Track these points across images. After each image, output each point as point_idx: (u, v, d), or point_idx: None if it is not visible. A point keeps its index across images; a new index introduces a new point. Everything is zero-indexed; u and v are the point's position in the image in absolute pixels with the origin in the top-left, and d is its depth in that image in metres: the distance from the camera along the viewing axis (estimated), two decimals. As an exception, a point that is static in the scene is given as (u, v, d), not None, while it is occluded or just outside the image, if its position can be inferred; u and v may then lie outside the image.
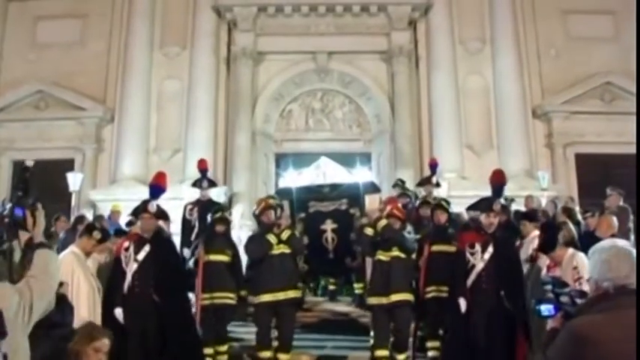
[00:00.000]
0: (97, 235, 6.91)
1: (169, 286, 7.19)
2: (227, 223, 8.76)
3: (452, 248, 7.88)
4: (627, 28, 18.08)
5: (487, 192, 14.86)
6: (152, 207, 7.36)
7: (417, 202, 10.92)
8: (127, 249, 7.25)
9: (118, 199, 14.91)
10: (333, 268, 10.94)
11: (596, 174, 16.30)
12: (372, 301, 8.04)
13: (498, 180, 7.70)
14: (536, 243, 8.60)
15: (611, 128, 17.17)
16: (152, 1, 18.38)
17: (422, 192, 12.25)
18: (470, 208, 8.24)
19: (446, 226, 8.56)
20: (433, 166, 12.50)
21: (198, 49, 18.04)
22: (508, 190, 15.20)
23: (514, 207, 12.41)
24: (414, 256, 8.26)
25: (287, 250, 8.06)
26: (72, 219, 11.39)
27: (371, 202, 10.52)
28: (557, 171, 17.18)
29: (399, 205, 8.87)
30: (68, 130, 17.92)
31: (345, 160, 14.76)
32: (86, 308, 6.14)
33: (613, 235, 7.30)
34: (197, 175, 16.84)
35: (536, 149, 17.62)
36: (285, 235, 8.10)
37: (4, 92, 18.30)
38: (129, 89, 17.82)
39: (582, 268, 6.27)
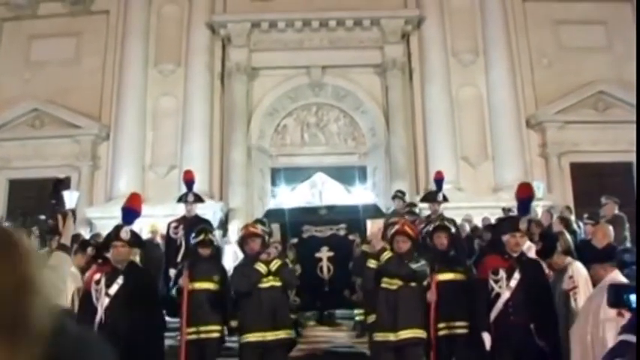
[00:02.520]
0: (90, 251, 7.11)
1: (144, 324, 6.30)
2: (212, 245, 7.56)
3: (460, 276, 6.93)
4: (619, 37, 18.27)
5: (482, 203, 15.14)
6: (125, 234, 6.40)
7: (430, 226, 8.63)
8: (97, 282, 6.32)
9: (115, 217, 14.85)
10: (329, 301, 9.77)
11: (591, 183, 16.35)
12: (378, 337, 6.81)
13: (526, 194, 6.81)
14: (530, 253, 8.85)
15: (606, 137, 17.26)
16: (146, 19, 18.48)
17: (424, 209, 11.23)
18: (494, 228, 7.45)
19: (449, 251, 7.22)
20: (439, 180, 10.78)
21: (192, 65, 18.12)
22: (503, 201, 15.53)
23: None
24: (426, 282, 6.94)
25: (277, 284, 6.91)
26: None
27: (373, 227, 9.00)
28: (552, 180, 17.22)
29: (406, 222, 7.64)
30: (64, 148, 17.94)
31: (341, 174, 14.76)
32: (80, 325, 6.17)
33: (609, 244, 7.35)
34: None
35: (530, 159, 17.69)
36: (274, 265, 6.94)
37: (-1, 111, 18.37)
38: (124, 106, 17.87)
39: (578, 277, 6.32)
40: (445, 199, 10.37)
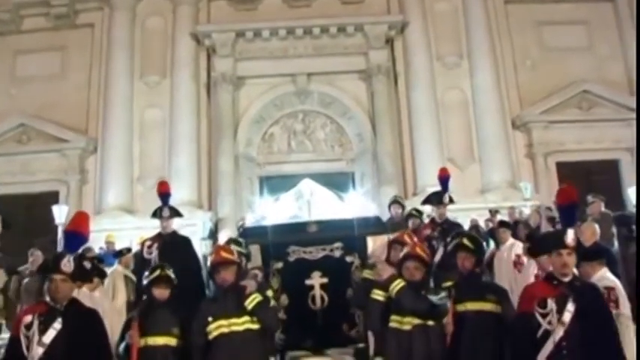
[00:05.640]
0: (86, 264, 6.57)
1: None
2: (172, 284, 5.69)
3: (488, 305, 5.34)
4: (600, 37, 18.50)
5: (470, 205, 15.16)
6: (67, 264, 4.92)
7: (446, 241, 7.08)
8: (28, 326, 4.85)
9: (105, 230, 14.92)
10: (323, 339, 7.52)
11: (578, 181, 16.30)
12: None
13: (567, 199, 5.16)
14: (516, 249, 8.95)
15: (590, 135, 17.41)
16: (131, 32, 18.53)
17: (430, 212, 10.05)
18: (536, 249, 6.34)
19: (475, 274, 5.61)
20: (444, 179, 9.24)
21: (178, 76, 18.18)
22: (491, 202, 15.62)
23: (499, 218, 12.61)
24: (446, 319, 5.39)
25: (254, 326, 5.32)
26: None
27: (376, 246, 7.51)
28: (540, 180, 17.32)
29: (411, 235, 6.44)
30: (51, 163, 17.96)
31: (329, 180, 14.70)
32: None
33: (595, 243, 7.42)
34: (182, 201, 17.14)
35: (517, 160, 17.82)
36: (251, 302, 5.35)
37: (-14, 127, 18.36)
38: (111, 119, 17.89)
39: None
40: (452, 200, 9.01)
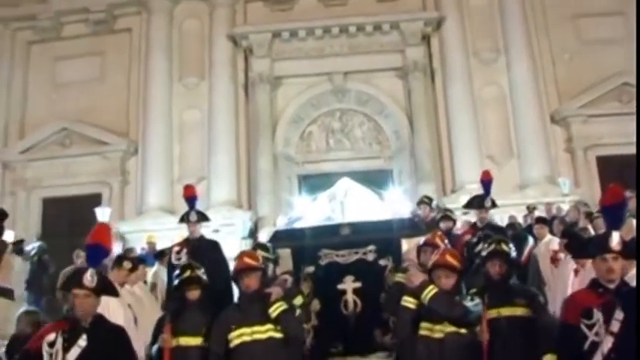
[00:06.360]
0: (127, 265, 6.79)
1: None
2: (202, 284, 5.65)
3: (519, 310, 5.14)
4: (639, 26, 18.22)
5: (508, 201, 15.04)
6: (90, 279, 4.61)
7: (483, 249, 6.06)
8: (51, 344, 4.59)
9: (146, 230, 15.21)
10: (355, 344, 7.20)
11: (618, 175, 16.25)
12: None
13: (613, 199, 4.73)
14: (553, 245, 8.97)
15: (630, 129, 17.11)
16: (168, 35, 18.82)
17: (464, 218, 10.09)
18: (579, 252, 6.14)
19: (505, 279, 5.36)
20: (487, 182, 8.78)
21: (216, 78, 18.39)
22: (530, 198, 15.55)
23: (537, 214, 12.57)
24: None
25: (277, 335, 5.15)
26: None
27: (410, 249, 7.10)
28: (580, 175, 17.19)
29: (443, 237, 6.18)
30: (93, 165, 18.33)
31: (367, 178, 14.63)
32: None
33: (633, 239, 7.33)
34: (221, 201, 17.43)
35: (556, 155, 17.66)
36: (275, 310, 5.18)
37: (29, 132, 18.91)
38: (150, 121, 18.21)
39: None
40: (494, 204, 8.65)
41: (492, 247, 5.43)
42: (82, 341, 4.55)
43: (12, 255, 11.43)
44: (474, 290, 5.31)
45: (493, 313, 5.07)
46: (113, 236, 5.79)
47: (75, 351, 4.52)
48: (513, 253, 5.50)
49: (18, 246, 12.20)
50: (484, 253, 5.51)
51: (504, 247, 5.39)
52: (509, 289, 5.28)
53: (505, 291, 5.22)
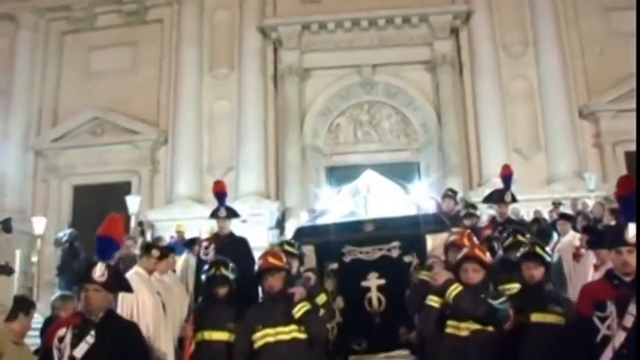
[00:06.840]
0: (155, 253, 6.74)
1: None
2: (228, 282, 5.67)
3: (551, 317, 4.85)
4: (671, 20, 17.98)
5: (535, 195, 15.03)
6: (100, 273, 4.51)
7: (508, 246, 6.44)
8: (61, 339, 4.53)
9: (175, 219, 15.42)
10: (380, 341, 7.06)
11: (647, 171, 16.17)
12: None
13: (633, 188, 4.33)
14: (575, 241, 8.92)
15: (662, 124, 17.04)
16: (199, 26, 19.04)
17: (489, 211, 9.88)
18: (596, 243, 5.98)
19: (541, 284, 5.06)
20: (507, 177, 8.67)
21: (245, 69, 18.57)
22: (558, 192, 15.50)
23: (561, 209, 12.58)
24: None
25: (301, 335, 5.09)
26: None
27: (435, 245, 7.02)
28: (608, 170, 17.04)
29: (471, 236, 5.93)
30: (124, 154, 18.67)
31: (395, 170, 14.68)
32: (152, 324, 6.01)
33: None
34: (250, 192, 17.62)
35: (584, 149, 17.58)
36: (299, 310, 5.11)
37: (62, 120, 19.31)
38: (181, 111, 18.47)
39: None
40: (514, 199, 8.51)
41: (528, 248, 5.21)
42: (90, 337, 4.47)
43: (1, 233, 12.14)
44: (507, 287, 5.29)
45: (523, 317, 4.87)
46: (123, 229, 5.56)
47: (83, 347, 4.44)
48: (548, 258, 5.24)
49: (6, 224, 12.49)
50: (519, 255, 5.30)
51: (538, 249, 5.14)
52: (543, 294, 4.99)
53: (539, 295, 4.96)
